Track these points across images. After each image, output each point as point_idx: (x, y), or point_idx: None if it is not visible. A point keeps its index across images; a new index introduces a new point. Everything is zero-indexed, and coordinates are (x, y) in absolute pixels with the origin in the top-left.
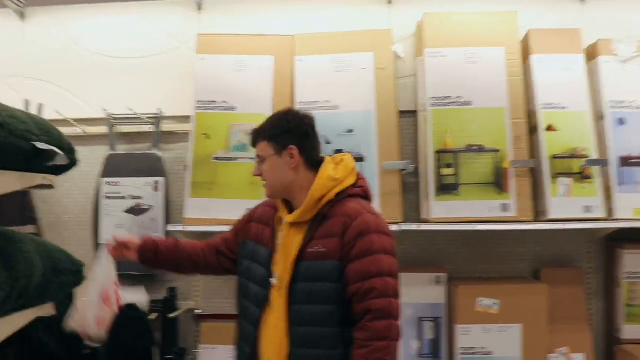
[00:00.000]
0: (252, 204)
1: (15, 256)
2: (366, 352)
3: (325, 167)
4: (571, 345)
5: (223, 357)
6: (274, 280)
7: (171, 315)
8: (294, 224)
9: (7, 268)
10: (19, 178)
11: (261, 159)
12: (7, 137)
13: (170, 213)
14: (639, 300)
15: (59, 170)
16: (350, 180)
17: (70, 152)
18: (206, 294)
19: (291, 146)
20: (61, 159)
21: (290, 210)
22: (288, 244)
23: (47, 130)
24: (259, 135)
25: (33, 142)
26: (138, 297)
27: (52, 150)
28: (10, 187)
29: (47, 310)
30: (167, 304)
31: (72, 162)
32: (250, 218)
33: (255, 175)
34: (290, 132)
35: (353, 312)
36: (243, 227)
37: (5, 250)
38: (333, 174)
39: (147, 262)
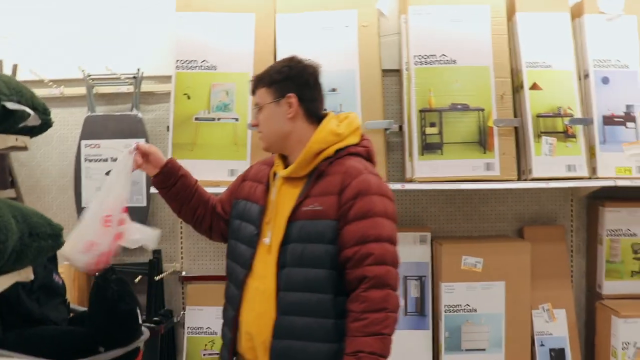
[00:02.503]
0: (234, 164)
1: None
2: (362, 325)
3: (327, 121)
4: (553, 302)
5: (209, 318)
6: (266, 240)
7: (157, 278)
8: (288, 180)
9: None
10: None
11: (259, 107)
12: None
13: None
14: (620, 257)
15: (33, 131)
16: (353, 139)
17: (43, 112)
18: (191, 255)
19: (290, 94)
20: (33, 119)
21: (287, 166)
22: (281, 201)
23: (18, 89)
24: (258, 82)
25: (2, 102)
26: (147, 232)
27: (24, 111)
28: None
29: (25, 274)
30: (152, 266)
31: (46, 123)
32: (244, 177)
33: (253, 126)
34: (290, 79)
35: (346, 280)
36: (237, 186)
37: None
38: (335, 129)
39: (162, 184)
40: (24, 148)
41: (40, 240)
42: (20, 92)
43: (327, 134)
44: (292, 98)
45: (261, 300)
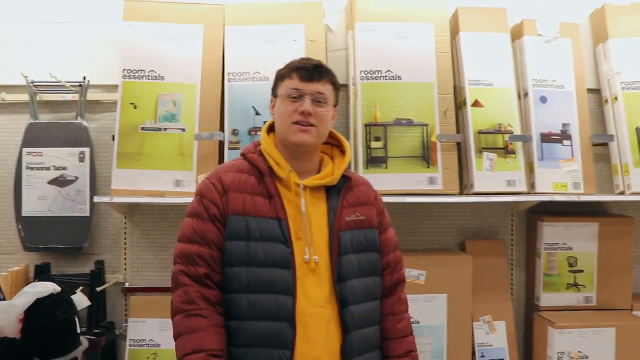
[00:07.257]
0: (180, 175)
1: None
2: (404, 325)
3: (340, 135)
4: (493, 314)
5: (152, 330)
6: (307, 257)
7: (99, 289)
8: (312, 189)
9: None
10: None
11: (323, 100)
12: None
13: (97, 184)
14: (557, 270)
15: None
16: None
17: None
18: (134, 267)
19: (336, 107)
20: None
21: (301, 175)
22: (312, 212)
23: None
24: (327, 74)
25: None
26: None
27: None
28: None
29: None
30: (95, 277)
31: None
32: (222, 190)
33: (305, 112)
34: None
35: (383, 284)
36: (220, 206)
37: None
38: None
39: None
40: None
41: None
42: None
43: (349, 147)
44: (336, 112)
45: (322, 324)
